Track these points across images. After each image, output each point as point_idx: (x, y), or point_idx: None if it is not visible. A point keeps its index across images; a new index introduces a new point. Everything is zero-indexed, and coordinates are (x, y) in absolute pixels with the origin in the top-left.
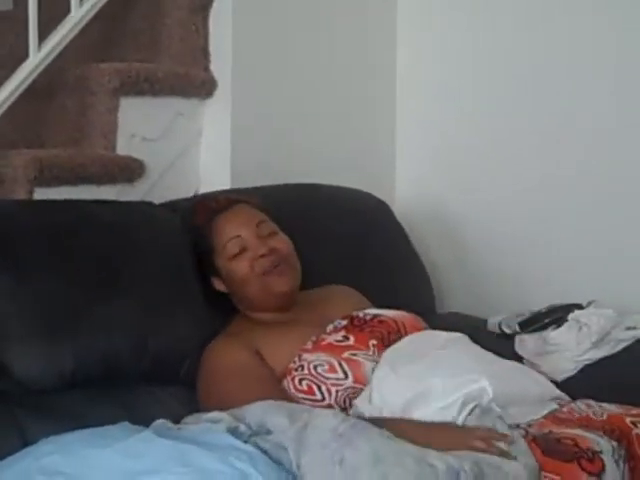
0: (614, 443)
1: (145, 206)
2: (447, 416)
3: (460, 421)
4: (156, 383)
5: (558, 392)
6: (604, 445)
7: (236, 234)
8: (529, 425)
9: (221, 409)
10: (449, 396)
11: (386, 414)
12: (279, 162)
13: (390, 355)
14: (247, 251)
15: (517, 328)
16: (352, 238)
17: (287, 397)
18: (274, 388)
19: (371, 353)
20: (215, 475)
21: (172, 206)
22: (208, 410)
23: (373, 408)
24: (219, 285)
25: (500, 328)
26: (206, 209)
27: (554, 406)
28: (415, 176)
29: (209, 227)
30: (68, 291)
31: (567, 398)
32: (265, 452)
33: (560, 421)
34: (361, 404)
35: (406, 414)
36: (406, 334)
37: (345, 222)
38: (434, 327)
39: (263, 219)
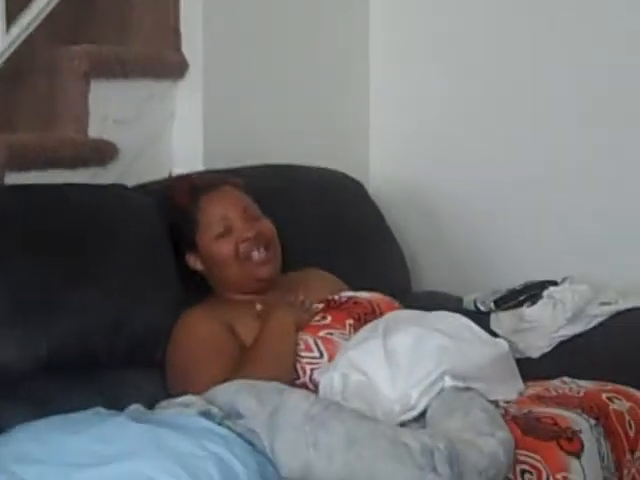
0: (592, 421)
1: (118, 189)
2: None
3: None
4: (131, 367)
5: (506, 347)
6: (583, 424)
7: (223, 214)
8: (507, 404)
9: (185, 380)
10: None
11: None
12: (252, 143)
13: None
14: (232, 232)
15: (492, 306)
16: (326, 218)
17: (254, 374)
18: (240, 364)
19: (347, 333)
20: (190, 459)
21: (145, 189)
22: (172, 379)
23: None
24: (194, 263)
25: (475, 306)
26: (192, 186)
27: (521, 386)
28: (389, 155)
29: (195, 204)
30: (41, 276)
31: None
32: (239, 435)
33: (538, 399)
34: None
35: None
36: (381, 315)
37: (319, 202)
38: (409, 306)
39: (249, 203)
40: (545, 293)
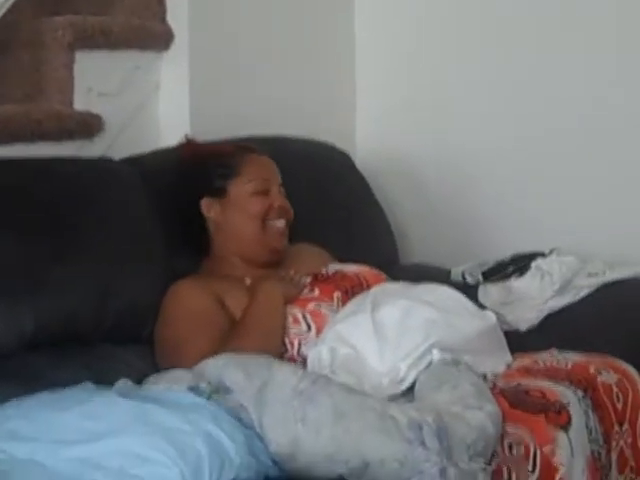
0: (580, 393)
1: (103, 162)
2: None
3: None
4: (119, 343)
5: (494, 319)
6: (571, 397)
7: (267, 176)
8: (495, 376)
9: (173, 351)
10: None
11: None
12: (239, 114)
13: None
14: (268, 196)
15: (480, 278)
16: (313, 189)
17: (242, 347)
18: (229, 338)
19: (335, 305)
20: (178, 434)
21: (132, 162)
22: (161, 353)
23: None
24: (209, 209)
25: (463, 278)
26: (236, 145)
27: (509, 359)
28: (376, 126)
29: (241, 156)
30: (26, 250)
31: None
32: (227, 410)
33: (527, 372)
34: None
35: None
36: (369, 287)
37: (306, 173)
38: (397, 279)
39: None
40: (533, 265)
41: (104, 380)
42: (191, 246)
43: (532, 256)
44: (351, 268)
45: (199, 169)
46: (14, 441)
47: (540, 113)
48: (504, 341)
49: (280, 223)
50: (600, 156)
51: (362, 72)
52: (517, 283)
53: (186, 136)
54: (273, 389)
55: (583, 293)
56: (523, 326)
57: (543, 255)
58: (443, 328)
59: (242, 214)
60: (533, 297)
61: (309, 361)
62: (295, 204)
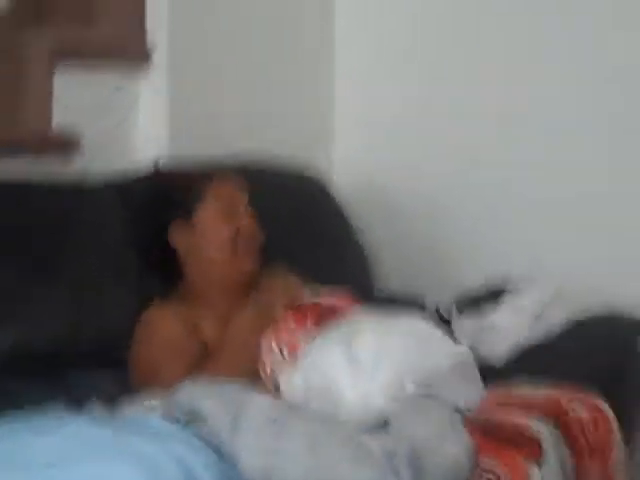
0: (552, 427)
1: (79, 184)
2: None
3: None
4: (92, 366)
5: (468, 352)
6: (543, 430)
7: (233, 199)
8: (468, 410)
9: (147, 379)
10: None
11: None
12: (218, 129)
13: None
14: (237, 216)
15: (455, 312)
16: (289, 216)
17: (216, 374)
18: (202, 365)
19: (309, 334)
20: (153, 461)
21: (107, 184)
22: (135, 378)
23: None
24: (178, 236)
25: (438, 312)
26: (201, 170)
27: (482, 392)
28: (354, 154)
29: (209, 181)
30: (3, 272)
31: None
32: (202, 439)
33: (500, 405)
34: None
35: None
36: (343, 316)
37: (283, 200)
38: (372, 307)
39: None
40: (507, 298)
41: (78, 403)
42: (163, 272)
43: (506, 289)
44: (326, 296)
45: (166, 196)
46: None
47: (514, 144)
48: (478, 374)
49: (248, 245)
50: (572, 183)
51: (341, 100)
52: (492, 317)
53: (155, 163)
54: (247, 418)
55: (557, 327)
56: (497, 359)
57: (517, 288)
58: (417, 360)
59: (209, 238)
60: (507, 328)
61: (283, 390)
62: (270, 229)
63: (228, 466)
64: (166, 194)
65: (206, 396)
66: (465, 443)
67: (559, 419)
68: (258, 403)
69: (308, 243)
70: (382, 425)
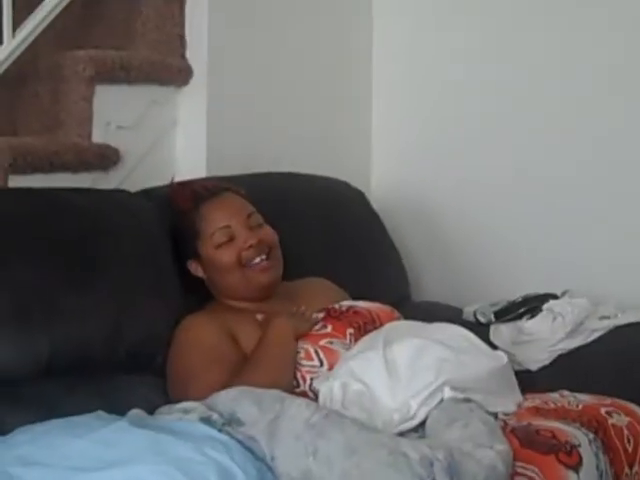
0: (591, 435)
1: (119, 194)
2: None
3: (420, 418)
4: (132, 372)
5: (505, 359)
6: (582, 438)
7: (226, 224)
8: (507, 415)
9: (185, 385)
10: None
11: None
12: (255, 150)
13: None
14: (235, 240)
15: (492, 317)
16: (328, 227)
17: (254, 381)
18: (240, 372)
19: (348, 342)
20: (190, 464)
21: (147, 194)
22: (172, 384)
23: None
24: (196, 270)
25: (475, 317)
26: (194, 194)
27: (519, 399)
28: (391, 165)
29: (197, 212)
30: (42, 279)
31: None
32: (239, 442)
33: (537, 412)
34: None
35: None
36: (381, 325)
37: (321, 211)
38: (409, 317)
39: (252, 210)
40: (545, 306)
41: (116, 409)
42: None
43: (544, 297)
44: (364, 305)
45: (175, 234)
46: (24, 467)
47: (553, 157)
48: (515, 381)
49: (259, 259)
50: (613, 198)
51: (379, 110)
52: (529, 324)
53: (171, 182)
54: (285, 422)
55: (595, 336)
56: (534, 366)
57: (555, 297)
58: (455, 367)
59: (218, 269)
60: (545, 338)
61: (320, 396)
62: (309, 241)
63: (265, 470)
64: (174, 231)
65: (244, 401)
66: (502, 449)
67: (598, 427)
68: (296, 408)
69: (346, 253)
70: (419, 431)
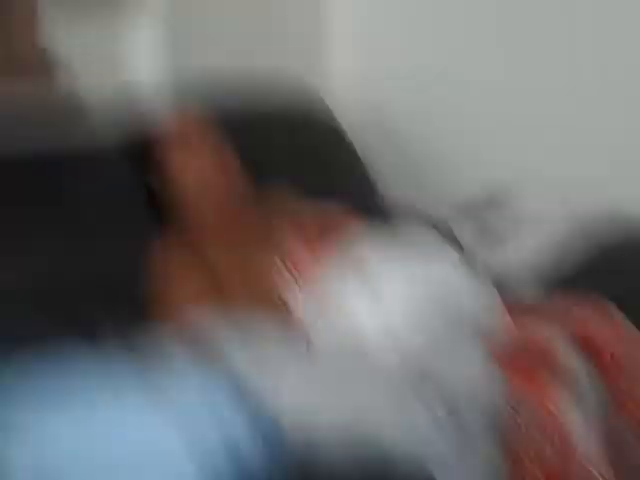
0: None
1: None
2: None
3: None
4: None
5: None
6: (575, 361)
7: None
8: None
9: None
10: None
11: None
12: (214, 46)
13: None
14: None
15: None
16: (288, 138)
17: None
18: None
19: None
20: (193, 423)
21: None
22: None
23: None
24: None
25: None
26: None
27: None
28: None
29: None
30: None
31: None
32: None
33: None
34: None
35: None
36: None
37: (280, 121)
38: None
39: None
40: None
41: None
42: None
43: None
44: (325, 212)
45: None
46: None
47: (516, 55)
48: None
49: (223, 176)
50: (569, 93)
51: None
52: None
53: None
54: (282, 362)
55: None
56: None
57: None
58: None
59: (185, 189)
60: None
61: (312, 335)
62: (270, 154)
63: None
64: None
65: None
66: (497, 381)
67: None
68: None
69: (309, 163)
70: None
